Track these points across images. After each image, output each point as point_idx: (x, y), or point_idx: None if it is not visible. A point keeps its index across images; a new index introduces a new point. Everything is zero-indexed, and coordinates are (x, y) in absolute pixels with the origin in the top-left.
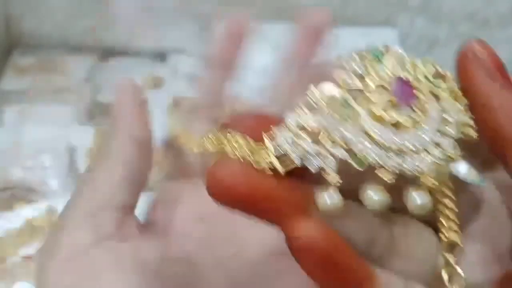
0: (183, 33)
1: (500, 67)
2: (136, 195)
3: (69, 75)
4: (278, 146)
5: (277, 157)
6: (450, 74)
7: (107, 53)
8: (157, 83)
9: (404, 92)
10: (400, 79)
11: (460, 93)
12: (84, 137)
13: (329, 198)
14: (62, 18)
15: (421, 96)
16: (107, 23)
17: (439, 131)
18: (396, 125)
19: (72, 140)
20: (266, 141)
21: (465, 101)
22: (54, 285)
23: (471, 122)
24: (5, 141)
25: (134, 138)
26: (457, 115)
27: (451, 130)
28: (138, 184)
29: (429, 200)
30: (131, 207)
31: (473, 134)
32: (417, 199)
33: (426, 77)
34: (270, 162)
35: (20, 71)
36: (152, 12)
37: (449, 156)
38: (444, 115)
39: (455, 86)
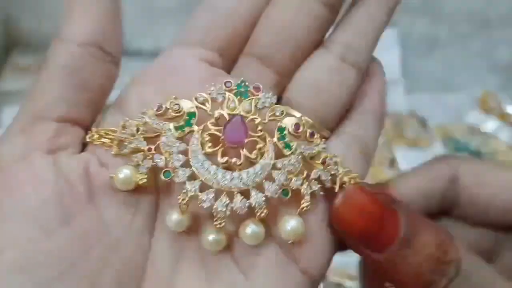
0: None
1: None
2: (82, 108)
3: None
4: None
5: (118, 141)
6: (318, 138)
7: None
8: None
9: (233, 133)
10: (236, 118)
11: (310, 159)
12: None
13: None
14: (62, 18)
15: (258, 145)
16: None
17: (257, 182)
18: (212, 157)
19: None
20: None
21: (303, 169)
22: None
23: (302, 191)
24: None
25: (80, 42)
26: (285, 176)
27: (270, 188)
28: (86, 95)
29: (222, 238)
30: (74, 119)
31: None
32: (208, 236)
33: (281, 130)
34: (110, 140)
35: (19, 71)
36: (152, 12)
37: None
38: (274, 173)
39: (310, 150)
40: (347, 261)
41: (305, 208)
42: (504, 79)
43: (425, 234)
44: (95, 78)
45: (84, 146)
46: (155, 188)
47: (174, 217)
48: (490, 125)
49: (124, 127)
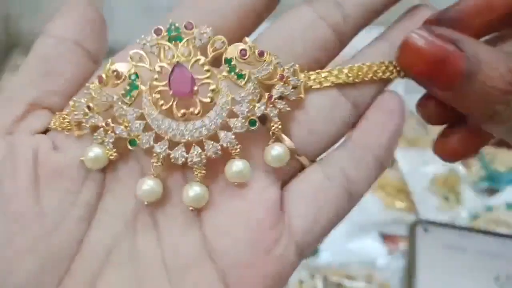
0: None
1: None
2: (53, 95)
3: None
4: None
5: (76, 122)
6: (268, 55)
7: (107, 53)
8: None
9: (179, 84)
10: (177, 68)
11: (267, 80)
12: None
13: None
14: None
15: (210, 86)
16: (106, 23)
17: (221, 123)
18: (169, 113)
19: None
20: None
21: (264, 93)
22: None
23: (269, 113)
24: None
25: (58, 36)
26: (247, 107)
27: (236, 124)
28: (58, 83)
29: (203, 191)
30: (45, 105)
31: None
32: (189, 191)
33: (228, 62)
34: (68, 123)
35: None
36: (152, 12)
37: (217, 152)
38: (234, 108)
39: (264, 71)
40: (347, 261)
41: (277, 129)
42: None
43: (490, 65)
44: (68, 68)
45: (46, 131)
46: (101, 176)
47: (148, 183)
48: None
49: (74, 107)
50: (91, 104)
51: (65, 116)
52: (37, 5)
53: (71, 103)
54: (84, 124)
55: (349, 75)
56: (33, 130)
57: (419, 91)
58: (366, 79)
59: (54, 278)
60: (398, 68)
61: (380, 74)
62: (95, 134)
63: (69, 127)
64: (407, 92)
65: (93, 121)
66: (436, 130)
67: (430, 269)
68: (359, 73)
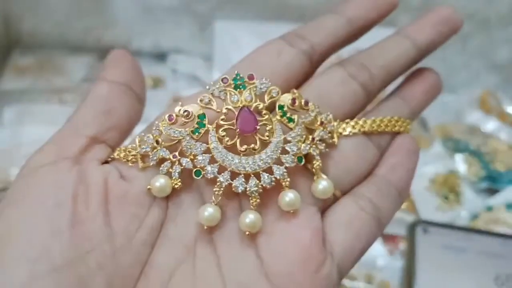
0: (183, 33)
1: None
2: (110, 130)
3: (68, 75)
4: (142, 147)
5: (141, 155)
6: (312, 105)
7: (107, 53)
8: (157, 83)
9: (245, 123)
10: (244, 110)
11: (310, 125)
12: None
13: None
14: (62, 18)
15: (267, 127)
16: (106, 23)
17: (275, 158)
18: (234, 150)
19: None
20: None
21: (308, 135)
22: (8, 195)
23: (312, 152)
24: (4, 141)
25: (112, 81)
26: (296, 146)
27: (287, 159)
28: (114, 120)
29: (257, 218)
30: (103, 139)
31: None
32: (245, 218)
33: (281, 108)
34: (134, 155)
35: (19, 71)
36: (152, 12)
37: (273, 182)
38: (286, 146)
39: (308, 117)
40: None
41: (318, 167)
42: (504, 78)
43: None
44: (122, 107)
45: (108, 162)
46: (165, 204)
47: (209, 210)
48: (490, 125)
49: (142, 141)
50: (160, 139)
51: (131, 149)
52: (37, 5)
53: (137, 138)
54: (151, 156)
55: (373, 125)
56: (98, 161)
57: None
58: (387, 130)
59: None
60: (409, 124)
61: (397, 128)
62: (162, 165)
63: (134, 160)
64: None
65: (162, 154)
66: (436, 130)
67: (430, 269)
68: (381, 125)
